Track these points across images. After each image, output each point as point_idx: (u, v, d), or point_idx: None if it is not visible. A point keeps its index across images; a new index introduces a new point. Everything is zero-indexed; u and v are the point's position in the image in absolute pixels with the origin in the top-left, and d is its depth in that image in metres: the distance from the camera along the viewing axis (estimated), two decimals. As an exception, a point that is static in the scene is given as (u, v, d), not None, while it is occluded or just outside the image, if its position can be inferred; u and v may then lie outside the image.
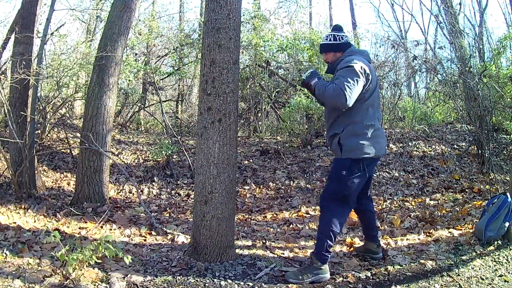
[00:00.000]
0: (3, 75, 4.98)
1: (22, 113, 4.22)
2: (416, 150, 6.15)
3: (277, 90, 7.62)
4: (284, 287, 2.52)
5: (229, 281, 2.56)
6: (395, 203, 4.54)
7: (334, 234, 2.60)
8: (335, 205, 2.62)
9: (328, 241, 2.59)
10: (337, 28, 2.83)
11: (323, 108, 2.98)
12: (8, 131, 4.66)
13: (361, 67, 2.51)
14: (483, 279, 2.56)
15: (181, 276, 2.59)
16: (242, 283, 2.54)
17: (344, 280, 2.60)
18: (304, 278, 2.57)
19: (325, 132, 2.94)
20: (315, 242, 2.73)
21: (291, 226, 3.96)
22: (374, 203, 4.44)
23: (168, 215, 4.31)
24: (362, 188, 2.82)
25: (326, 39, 2.79)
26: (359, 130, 2.56)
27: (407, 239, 3.36)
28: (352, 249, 3.14)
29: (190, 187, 5.25)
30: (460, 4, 8.09)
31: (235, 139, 2.81)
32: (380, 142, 2.64)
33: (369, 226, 2.96)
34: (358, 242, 3.25)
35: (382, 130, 2.71)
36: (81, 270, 2.40)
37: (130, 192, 5.10)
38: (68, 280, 2.34)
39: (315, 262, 2.61)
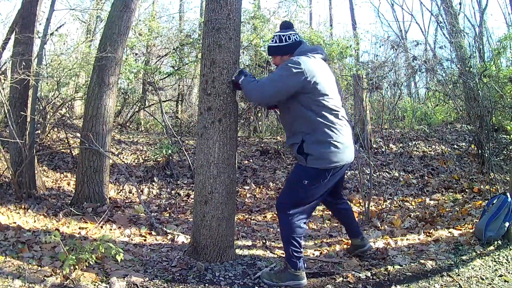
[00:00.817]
0: (3, 75, 4.98)
1: (22, 113, 4.22)
2: (416, 150, 6.15)
3: (277, 90, 7.60)
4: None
5: (229, 281, 2.56)
6: (395, 203, 4.54)
7: (296, 240, 2.47)
8: (294, 211, 2.45)
9: (292, 247, 2.47)
10: (285, 26, 2.57)
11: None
12: (8, 131, 4.66)
13: (299, 67, 2.29)
14: (483, 279, 2.56)
15: (181, 276, 2.59)
16: (242, 283, 2.54)
17: (344, 280, 2.60)
18: (277, 281, 2.51)
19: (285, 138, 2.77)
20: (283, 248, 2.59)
21: (291, 226, 3.95)
22: (374, 203, 4.48)
23: (168, 215, 4.31)
24: (333, 190, 2.66)
25: (272, 41, 2.56)
26: (322, 137, 2.35)
27: (407, 239, 3.36)
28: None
29: (190, 187, 5.25)
30: (460, 4, 8.10)
31: (235, 139, 2.81)
32: (349, 148, 2.44)
33: (348, 222, 2.92)
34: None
35: (349, 133, 2.49)
36: (81, 270, 2.40)
37: (130, 192, 5.10)
38: (68, 280, 2.34)
39: (288, 267, 2.52)
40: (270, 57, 2.64)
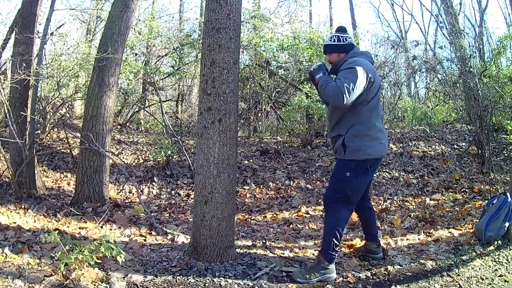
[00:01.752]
0: (3, 75, 4.98)
1: (22, 113, 4.22)
2: (416, 150, 6.15)
3: (277, 90, 7.63)
4: (284, 287, 2.52)
5: (229, 281, 2.56)
6: (395, 203, 4.54)
7: (339, 233, 2.62)
8: (339, 206, 2.62)
9: (335, 240, 2.61)
10: (341, 30, 2.84)
11: (323, 108, 2.97)
12: (8, 131, 4.66)
13: (363, 69, 2.52)
14: (483, 279, 2.56)
15: (181, 276, 2.59)
16: (242, 283, 2.54)
17: (344, 280, 2.60)
18: (312, 277, 2.58)
19: (328, 132, 2.97)
20: (322, 241, 2.74)
21: (291, 226, 3.96)
22: (374, 203, 4.48)
23: (168, 215, 4.31)
24: None
25: (330, 40, 2.81)
26: (363, 131, 2.57)
27: (407, 239, 3.36)
28: (352, 249, 3.14)
29: (190, 187, 5.25)
30: (460, 4, 8.09)
31: (235, 139, 2.81)
32: (383, 143, 2.65)
33: (369, 225, 2.96)
34: (359, 243, 3.24)
35: (384, 130, 2.72)
36: (81, 270, 2.40)
37: (130, 192, 5.10)
38: (68, 280, 2.34)
39: (322, 261, 2.62)
40: (325, 54, 2.90)
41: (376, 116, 2.63)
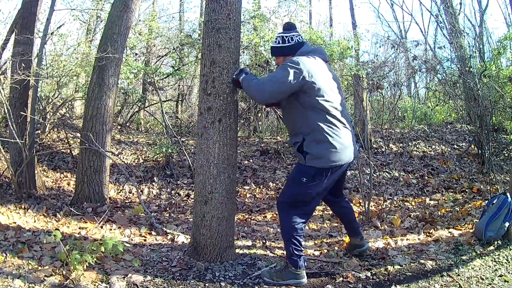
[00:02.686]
0: (3, 75, 4.97)
1: (22, 113, 4.22)
2: (416, 150, 6.15)
3: (277, 90, 7.61)
4: (284, 287, 2.52)
5: (229, 281, 2.56)
6: (395, 203, 4.54)
7: (296, 239, 2.49)
8: (291, 211, 2.50)
9: (293, 246, 2.50)
10: (287, 28, 2.62)
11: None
12: (8, 131, 4.66)
13: (298, 67, 2.33)
14: (483, 279, 2.56)
15: (181, 276, 2.59)
16: (242, 283, 2.54)
17: (344, 280, 2.60)
18: (278, 280, 2.54)
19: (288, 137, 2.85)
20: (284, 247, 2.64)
21: (291, 226, 3.95)
22: (374, 203, 4.48)
23: (168, 215, 4.31)
24: (334, 188, 2.67)
25: (275, 42, 2.61)
26: (321, 137, 2.38)
27: (407, 239, 3.36)
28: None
29: (190, 187, 5.25)
30: (460, 4, 8.10)
31: (235, 139, 2.81)
32: (348, 148, 2.45)
33: (348, 221, 2.93)
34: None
35: (349, 134, 2.50)
36: (81, 270, 2.40)
37: (130, 192, 5.10)
38: (68, 280, 2.34)
39: (289, 266, 2.55)
40: (273, 57, 2.66)
41: (335, 119, 2.41)
